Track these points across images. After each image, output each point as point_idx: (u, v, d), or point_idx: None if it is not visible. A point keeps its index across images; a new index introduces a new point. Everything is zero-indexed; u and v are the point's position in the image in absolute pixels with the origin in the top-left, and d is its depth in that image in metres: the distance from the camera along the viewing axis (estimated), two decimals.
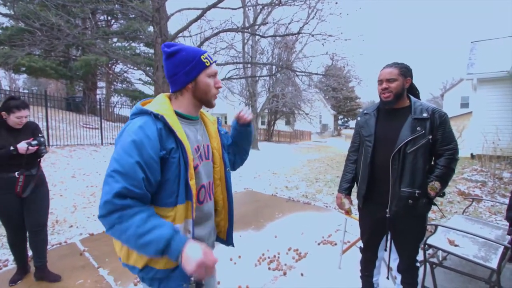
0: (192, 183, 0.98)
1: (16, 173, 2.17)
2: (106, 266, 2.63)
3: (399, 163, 1.61)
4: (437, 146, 1.61)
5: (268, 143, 18.33)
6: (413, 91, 1.76)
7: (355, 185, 1.93)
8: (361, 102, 33.06)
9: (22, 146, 2.12)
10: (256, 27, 10.06)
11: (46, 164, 6.39)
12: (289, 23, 9.83)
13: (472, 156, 8.69)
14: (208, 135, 1.18)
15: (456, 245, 2.02)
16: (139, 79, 18.37)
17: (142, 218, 0.85)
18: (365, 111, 1.85)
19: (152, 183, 0.92)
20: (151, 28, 9.84)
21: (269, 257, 2.82)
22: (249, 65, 14.46)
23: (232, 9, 7.79)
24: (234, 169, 1.36)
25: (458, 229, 2.00)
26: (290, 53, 14.85)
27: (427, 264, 2.03)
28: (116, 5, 7.80)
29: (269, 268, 2.62)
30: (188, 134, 1.03)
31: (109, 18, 16.91)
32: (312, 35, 9.05)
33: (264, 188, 6.01)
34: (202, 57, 1.03)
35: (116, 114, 13.39)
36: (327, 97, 24.27)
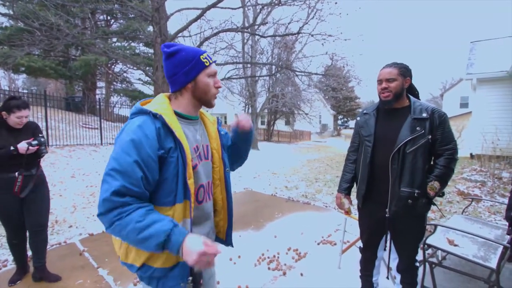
0: (190, 182, 0.98)
1: (16, 173, 2.17)
2: (105, 266, 2.63)
3: (398, 163, 1.61)
4: (437, 146, 1.61)
5: (268, 143, 18.33)
6: (413, 91, 1.76)
7: (355, 185, 1.93)
8: (360, 102, 33.07)
9: (22, 146, 2.11)
10: (256, 27, 10.05)
11: (46, 164, 6.38)
12: (288, 23, 9.84)
13: (472, 156, 8.70)
14: (207, 135, 1.18)
15: (455, 245, 2.02)
16: (139, 79, 18.38)
17: (141, 213, 0.86)
18: (364, 111, 1.86)
19: (150, 182, 0.92)
20: (150, 28, 9.82)
21: (268, 257, 2.82)
22: (248, 65, 14.46)
23: (232, 9, 7.79)
24: (233, 169, 1.36)
25: (457, 229, 2.00)
26: (289, 53, 14.86)
27: (427, 263, 2.03)
28: (115, 5, 7.80)
29: (268, 268, 2.62)
30: (187, 134, 1.03)
31: (109, 18, 16.89)
32: (312, 35, 9.06)
33: (263, 188, 6.01)
34: (201, 57, 1.03)
35: (116, 114, 13.39)
36: (326, 97, 24.29)
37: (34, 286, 2.31)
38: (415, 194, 1.58)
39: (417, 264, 1.80)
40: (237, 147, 1.32)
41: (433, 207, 1.77)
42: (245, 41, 14.42)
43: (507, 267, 2.45)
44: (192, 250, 0.84)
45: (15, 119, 2.15)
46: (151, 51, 14.23)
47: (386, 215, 1.67)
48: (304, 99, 18.08)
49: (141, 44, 16.72)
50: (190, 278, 1.00)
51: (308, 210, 4.42)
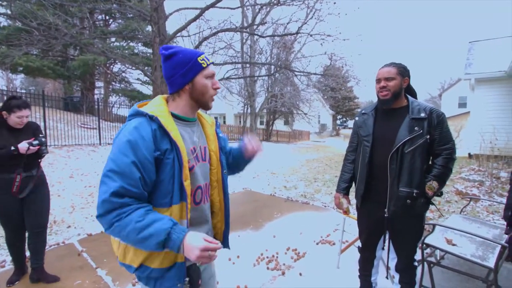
0: (186, 184, 0.98)
1: (15, 173, 2.16)
2: (104, 267, 2.62)
3: (397, 163, 1.61)
4: (435, 145, 1.62)
5: (267, 143, 18.31)
6: (411, 92, 1.76)
7: (353, 184, 1.93)
8: (359, 102, 33.11)
9: (23, 146, 2.11)
10: (255, 26, 10.06)
11: (44, 164, 6.31)
12: (287, 23, 9.84)
13: (470, 155, 8.72)
14: (205, 137, 1.18)
15: (453, 245, 2.03)
16: (137, 79, 18.36)
17: (140, 213, 0.87)
18: (363, 111, 1.86)
19: (148, 183, 0.93)
20: (149, 28, 9.82)
21: (267, 257, 2.82)
22: (247, 65, 14.47)
23: (231, 8, 7.78)
24: (228, 174, 1.37)
25: (455, 228, 2.01)
26: (288, 53, 14.87)
27: (425, 263, 2.04)
28: (114, 5, 7.78)
29: (267, 268, 2.62)
30: (183, 136, 1.03)
31: (107, 17, 16.81)
32: (311, 35, 9.07)
33: (262, 188, 6.02)
34: (198, 58, 1.03)
35: (114, 114, 13.32)
36: (325, 97, 24.30)
37: (32, 287, 2.30)
38: (414, 194, 1.59)
39: (416, 263, 1.80)
40: (238, 163, 1.34)
41: (431, 207, 1.78)
42: (244, 41, 14.42)
43: (505, 266, 2.46)
44: (193, 246, 0.85)
45: (15, 119, 2.14)
46: (150, 51, 14.21)
47: (385, 215, 1.68)
48: (303, 99, 18.10)
49: (139, 44, 16.70)
50: (187, 279, 1.01)
51: (307, 210, 4.42)
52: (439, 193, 1.66)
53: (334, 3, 8.62)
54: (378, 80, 1.69)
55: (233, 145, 1.37)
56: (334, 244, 3.11)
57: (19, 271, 2.40)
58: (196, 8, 7.62)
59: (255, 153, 1.27)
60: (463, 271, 2.01)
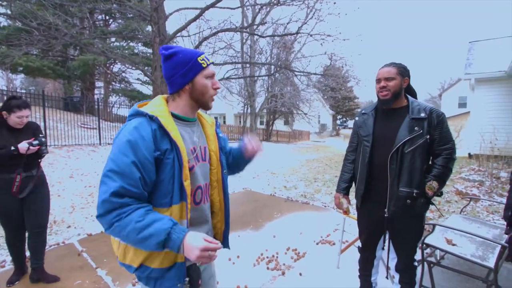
0: (186, 184, 0.98)
1: (16, 173, 2.16)
2: (104, 267, 2.62)
3: (397, 163, 1.61)
4: (435, 145, 1.62)
5: (267, 143, 18.30)
6: (411, 92, 1.76)
7: (353, 184, 1.93)
8: (359, 102, 33.11)
9: (23, 145, 2.11)
10: (255, 26, 10.06)
11: (44, 164, 6.32)
12: (287, 23, 9.84)
13: (470, 155, 8.72)
14: (205, 137, 1.18)
15: (453, 245, 2.03)
16: (137, 79, 18.36)
17: (140, 213, 0.87)
18: (363, 111, 1.86)
19: (148, 183, 0.93)
20: (149, 28, 9.82)
21: (267, 257, 2.82)
22: (247, 65, 14.47)
23: (231, 8, 7.78)
24: (228, 174, 1.37)
25: (455, 228, 2.01)
26: (288, 53, 14.87)
27: (425, 263, 2.04)
28: (114, 5, 7.78)
29: (267, 268, 2.62)
30: (183, 136, 1.03)
31: (107, 17, 16.82)
32: (311, 35, 9.07)
33: (262, 188, 6.02)
34: (198, 58, 1.03)
35: (114, 114, 13.32)
36: (325, 97, 24.30)
37: (32, 287, 2.30)
38: (414, 194, 1.59)
39: (416, 263, 1.80)
40: (238, 163, 1.34)
41: (431, 207, 1.78)
42: (244, 41, 14.42)
43: (505, 266, 2.46)
44: (193, 246, 0.85)
45: (15, 119, 2.14)
46: (150, 51, 14.21)
47: (385, 215, 1.68)
48: (303, 99, 18.09)
49: (139, 44, 16.70)
50: (187, 279, 1.01)
51: (307, 210, 4.42)
52: (439, 193, 1.66)
53: (334, 3, 8.63)
54: (378, 80, 1.69)
55: (233, 145, 1.37)
56: (334, 244, 3.11)
57: (19, 271, 2.40)
58: (196, 8, 7.62)
59: (255, 153, 1.27)
60: (463, 271, 2.01)
